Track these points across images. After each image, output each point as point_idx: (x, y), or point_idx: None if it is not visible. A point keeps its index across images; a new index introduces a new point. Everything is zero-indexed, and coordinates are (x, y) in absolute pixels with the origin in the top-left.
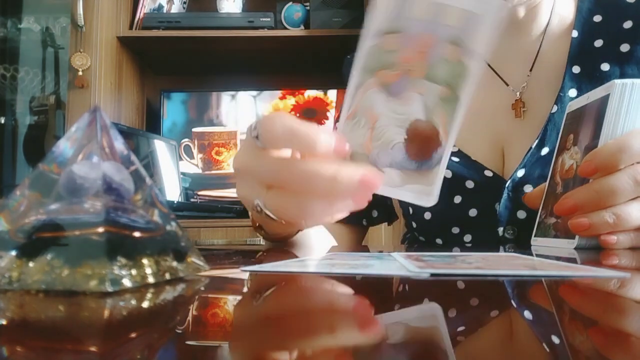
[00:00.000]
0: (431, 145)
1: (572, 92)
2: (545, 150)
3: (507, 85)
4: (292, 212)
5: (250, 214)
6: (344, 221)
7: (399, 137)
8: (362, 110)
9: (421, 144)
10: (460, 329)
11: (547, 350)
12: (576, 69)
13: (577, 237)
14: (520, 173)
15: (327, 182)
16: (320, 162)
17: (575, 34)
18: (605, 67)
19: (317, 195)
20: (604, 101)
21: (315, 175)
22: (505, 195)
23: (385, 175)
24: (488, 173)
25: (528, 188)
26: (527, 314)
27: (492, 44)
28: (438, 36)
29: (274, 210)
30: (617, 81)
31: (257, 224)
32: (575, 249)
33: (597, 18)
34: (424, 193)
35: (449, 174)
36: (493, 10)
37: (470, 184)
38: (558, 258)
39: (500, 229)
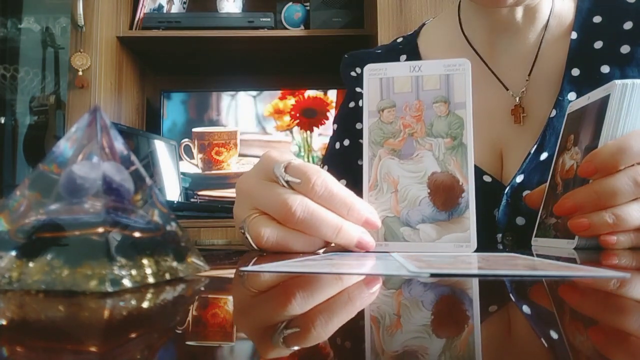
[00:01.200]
0: (454, 192)
1: (572, 96)
2: (544, 156)
3: (507, 89)
4: (272, 241)
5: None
6: None
7: (423, 192)
8: (381, 178)
9: (445, 193)
10: (460, 329)
11: (548, 350)
12: (575, 72)
13: (577, 237)
14: (519, 179)
15: (329, 232)
16: (328, 212)
17: (574, 35)
18: (605, 69)
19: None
20: (604, 101)
21: (321, 223)
22: (504, 201)
23: (421, 232)
24: (487, 178)
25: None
26: (527, 314)
27: (470, 90)
28: (425, 100)
29: (254, 235)
30: (618, 81)
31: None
32: (575, 249)
33: (597, 19)
34: (462, 240)
35: None
36: (460, 67)
37: None
38: (558, 258)
39: (499, 236)
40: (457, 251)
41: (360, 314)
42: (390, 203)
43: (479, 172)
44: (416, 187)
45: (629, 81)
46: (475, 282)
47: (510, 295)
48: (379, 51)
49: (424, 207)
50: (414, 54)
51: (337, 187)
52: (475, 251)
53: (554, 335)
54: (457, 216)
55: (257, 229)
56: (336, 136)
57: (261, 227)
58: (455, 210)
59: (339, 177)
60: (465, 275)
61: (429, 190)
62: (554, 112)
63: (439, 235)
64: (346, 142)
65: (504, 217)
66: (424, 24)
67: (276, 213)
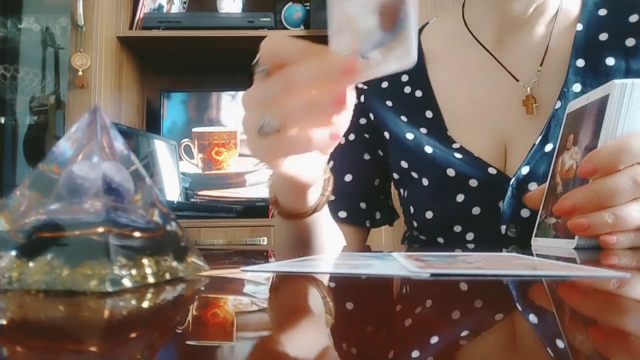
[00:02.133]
0: (397, 8)
1: (577, 87)
2: (549, 147)
3: (518, 80)
4: (292, 120)
5: (268, 190)
6: (348, 222)
7: (373, 20)
8: (340, 22)
9: (391, 13)
10: (461, 329)
11: (547, 350)
12: (580, 63)
13: (576, 237)
14: (525, 170)
15: (315, 68)
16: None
17: (579, 27)
18: (610, 61)
19: (309, 91)
20: (603, 101)
21: (304, 66)
22: (509, 193)
23: (370, 60)
24: (492, 170)
25: (533, 186)
26: (527, 314)
27: None
28: None
29: (277, 123)
30: (617, 81)
31: (274, 200)
32: (575, 249)
33: (602, 12)
34: (402, 55)
35: (452, 173)
36: None
37: (473, 183)
38: (558, 258)
39: (503, 227)
40: (398, 67)
41: (360, 315)
42: (348, 42)
43: (483, 165)
44: (368, 18)
45: (628, 81)
46: (475, 282)
47: (510, 295)
48: None
49: (374, 34)
50: (417, 50)
51: (303, 42)
52: (479, 249)
53: (554, 335)
54: (399, 32)
55: (275, 117)
56: None
57: (280, 114)
58: (398, 26)
59: (345, 172)
60: (466, 275)
61: (378, 17)
62: (558, 104)
63: (384, 57)
64: (351, 137)
65: (509, 209)
66: (426, 23)
67: (272, 91)
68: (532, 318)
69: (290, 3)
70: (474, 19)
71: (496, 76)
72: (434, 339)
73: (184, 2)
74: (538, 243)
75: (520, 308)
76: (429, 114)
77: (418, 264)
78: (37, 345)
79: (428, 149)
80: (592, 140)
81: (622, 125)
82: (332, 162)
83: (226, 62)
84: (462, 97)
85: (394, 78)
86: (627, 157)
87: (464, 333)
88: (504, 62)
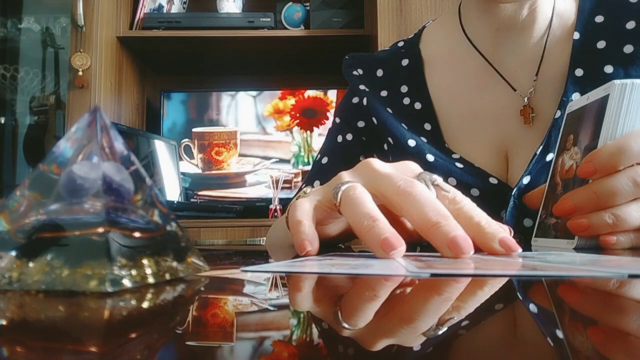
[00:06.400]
0: None
1: (576, 96)
2: (550, 156)
3: (515, 90)
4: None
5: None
6: None
7: None
8: None
9: None
10: (460, 329)
11: (547, 350)
12: (579, 72)
13: (576, 237)
14: (526, 180)
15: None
16: None
17: (577, 35)
18: (608, 69)
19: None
20: (603, 101)
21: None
22: (511, 203)
23: None
24: (493, 180)
25: None
26: (527, 314)
27: None
28: None
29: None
30: (617, 81)
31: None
32: (575, 249)
33: (599, 19)
34: None
35: (454, 181)
36: None
37: (475, 192)
38: None
39: None
40: None
41: (359, 315)
42: None
43: (484, 175)
44: None
45: (628, 81)
46: (475, 282)
47: (510, 295)
48: (380, 55)
49: None
50: (415, 58)
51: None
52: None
53: (553, 335)
54: None
55: None
56: (338, 129)
57: None
58: None
59: (339, 169)
60: (466, 275)
61: None
62: (558, 113)
63: None
64: (349, 137)
65: (511, 219)
66: (424, 27)
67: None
68: (532, 318)
69: (290, 3)
70: (470, 23)
71: (494, 85)
72: (433, 339)
73: (184, 2)
74: (538, 243)
75: (520, 308)
76: (427, 126)
77: (418, 264)
78: (37, 345)
79: (430, 157)
80: (592, 140)
81: (622, 125)
82: (326, 158)
83: (226, 62)
84: (460, 106)
85: (393, 87)
86: (626, 158)
87: (464, 333)
88: (502, 70)
